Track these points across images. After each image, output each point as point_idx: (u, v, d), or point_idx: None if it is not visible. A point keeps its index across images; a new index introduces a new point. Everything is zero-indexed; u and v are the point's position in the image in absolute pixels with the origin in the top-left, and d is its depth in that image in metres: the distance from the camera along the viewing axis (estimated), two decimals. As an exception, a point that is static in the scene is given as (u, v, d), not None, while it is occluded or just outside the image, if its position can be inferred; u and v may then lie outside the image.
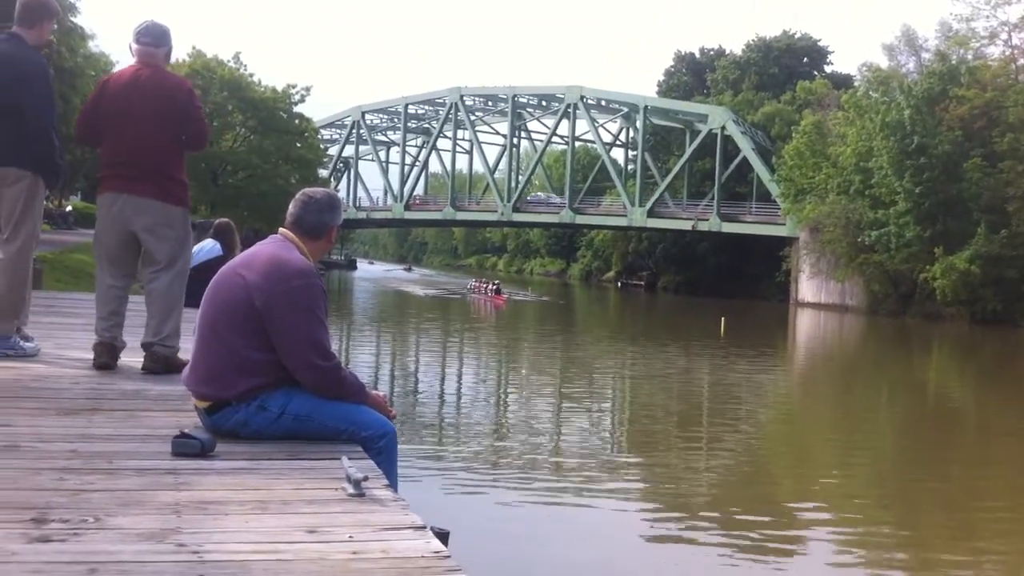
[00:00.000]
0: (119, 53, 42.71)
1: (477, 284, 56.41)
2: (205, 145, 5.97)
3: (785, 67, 76.24)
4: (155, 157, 5.60)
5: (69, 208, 43.10)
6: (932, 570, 7.78)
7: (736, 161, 65.35)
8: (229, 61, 56.51)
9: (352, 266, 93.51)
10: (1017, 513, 9.95)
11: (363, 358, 20.98)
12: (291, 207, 4.16)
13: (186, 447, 3.55)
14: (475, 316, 40.75)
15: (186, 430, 3.66)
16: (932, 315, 46.93)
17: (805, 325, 45.55)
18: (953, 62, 51.00)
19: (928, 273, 46.77)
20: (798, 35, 79.42)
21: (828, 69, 78.21)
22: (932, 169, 46.91)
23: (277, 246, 4.04)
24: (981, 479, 11.95)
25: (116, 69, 6.04)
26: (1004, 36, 52.18)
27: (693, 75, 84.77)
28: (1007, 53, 52.44)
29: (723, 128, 64.80)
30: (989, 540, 8.70)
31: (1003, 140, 45.83)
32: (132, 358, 5.71)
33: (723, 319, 32.89)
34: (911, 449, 14.14)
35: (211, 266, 7.69)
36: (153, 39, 5.70)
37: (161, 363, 5.53)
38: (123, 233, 5.64)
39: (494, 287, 52.11)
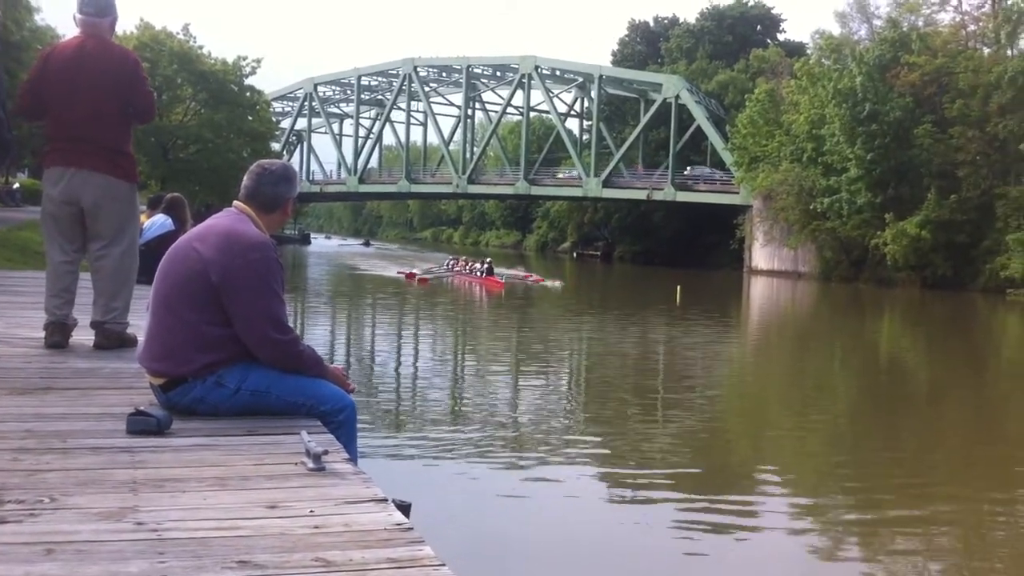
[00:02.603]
0: (65, 26, 41.86)
1: (459, 263, 45.00)
2: (152, 117, 5.86)
3: (739, 35, 76.56)
4: (101, 130, 5.50)
5: (16, 185, 42.30)
6: (886, 527, 7.92)
7: (691, 130, 65.57)
8: (178, 33, 55.73)
9: (306, 241, 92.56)
10: (967, 471, 10.15)
11: (319, 333, 20.87)
12: (245, 179, 4.10)
13: (142, 425, 3.50)
14: (469, 304, 32.42)
15: (141, 408, 3.61)
16: (884, 280, 47.55)
17: (759, 292, 45.96)
18: (904, 29, 51.56)
19: (879, 239, 47.37)
20: (751, 3, 79.77)
21: (781, 37, 78.71)
22: (883, 136, 47.43)
23: (232, 219, 3.99)
24: (932, 441, 12.18)
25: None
26: (954, 2, 52.97)
27: (647, 44, 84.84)
28: (957, 19, 53.17)
29: (677, 97, 64.92)
30: (940, 501, 8.86)
31: (953, 106, 46.39)
32: (83, 336, 5.63)
33: (678, 287, 33.12)
34: (864, 411, 14.35)
35: (163, 241, 7.61)
36: (97, 9, 5.58)
37: (114, 340, 5.47)
38: (71, 207, 5.54)
39: (485, 266, 40.17)
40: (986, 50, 51.05)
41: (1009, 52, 49.36)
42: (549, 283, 40.22)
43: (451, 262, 46.81)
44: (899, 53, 48.90)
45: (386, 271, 46.00)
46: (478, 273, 39.95)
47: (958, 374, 18.92)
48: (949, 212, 45.52)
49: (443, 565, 2.32)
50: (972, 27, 52.68)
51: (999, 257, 44.07)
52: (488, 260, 41.76)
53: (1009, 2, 50.24)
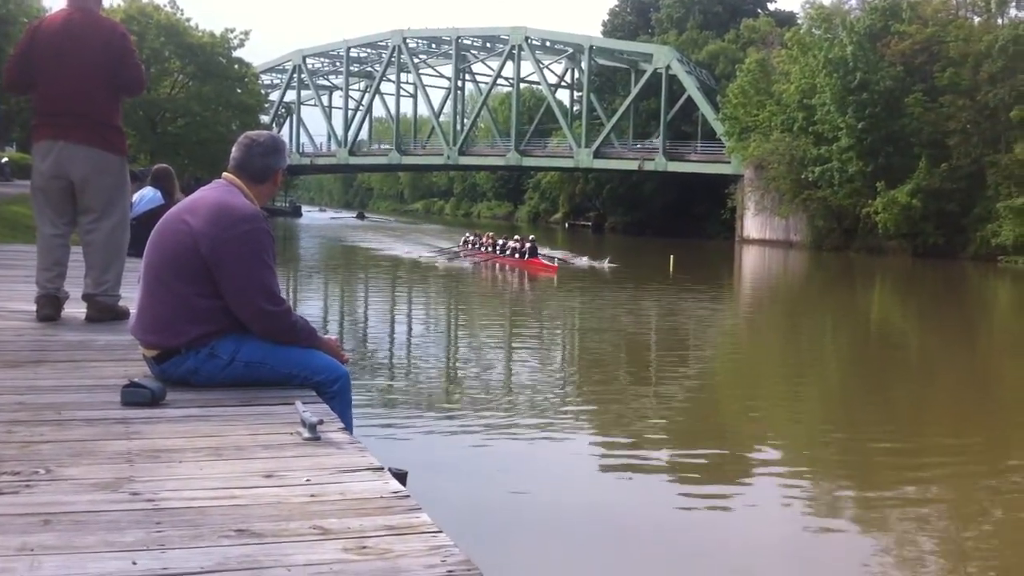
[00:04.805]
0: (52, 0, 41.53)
1: (484, 239, 36.34)
2: (142, 90, 5.82)
3: (729, 5, 76.11)
4: (90, 103, 5.46)
5: (5, 159, 42.03)
6: (878, 494, 7.97)
7: (681, 101, 65.37)
8: (165, 5, 55.13)
9: (297, 213, 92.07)
10: (959, 437, 10.21)
11: (312, 302, 20.86)
12: (234, 151, 4.07)
13: (136, 396, 3.50)
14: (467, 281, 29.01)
15: (135, 379, 3.60)
16: (875, 249, 47.65)
17: (751, 261, 46.02)
18: (895, -3, 51.36)
19: (870, 207, 47.45)
20: (742, -28, 79.25)
21: (772, 7, 78.29)
22: (874, 105, 47.41)
23: (221, 191, 3.96)
24: (924, 407, 12.26)
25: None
26: (945, -29, 52.60)
27: (637, 14, 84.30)
28: (948, -13, 52.90)
29: (668, 67, 64.67)
30: (933, 466, 8.92)
31: (943, 75, 46.33)
32: (75, 309, 5.62)
33: (671, 257, 33.11)
34: (856, 378, 14.43)
35: (153, 214, 7.57)
36: (84, -19, 5.53)
37: (106, 312, 5.46)
38: (60, 181, 5.51)
39: (527, 246, 31.54)
40: (976, 19, 50.99)
41: (1000, 21, 49.33)
42: (598, 263, 33.56)
43: (471, 238, 38.06)
44: (889, 22, 48.80)
45: (404, 250, 39.74)
46: (515, 254, 32.11)
47: (950, 341, 19.01)
48: (940, 180, 45.58)
49: (440, 532, 2.33)
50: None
51: (990, 224, 44.18)
52: (531, 238, 33.17)
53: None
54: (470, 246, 36.80)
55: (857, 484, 8.29)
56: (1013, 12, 49.80)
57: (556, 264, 30.49)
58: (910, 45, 47.44)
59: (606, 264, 33.46)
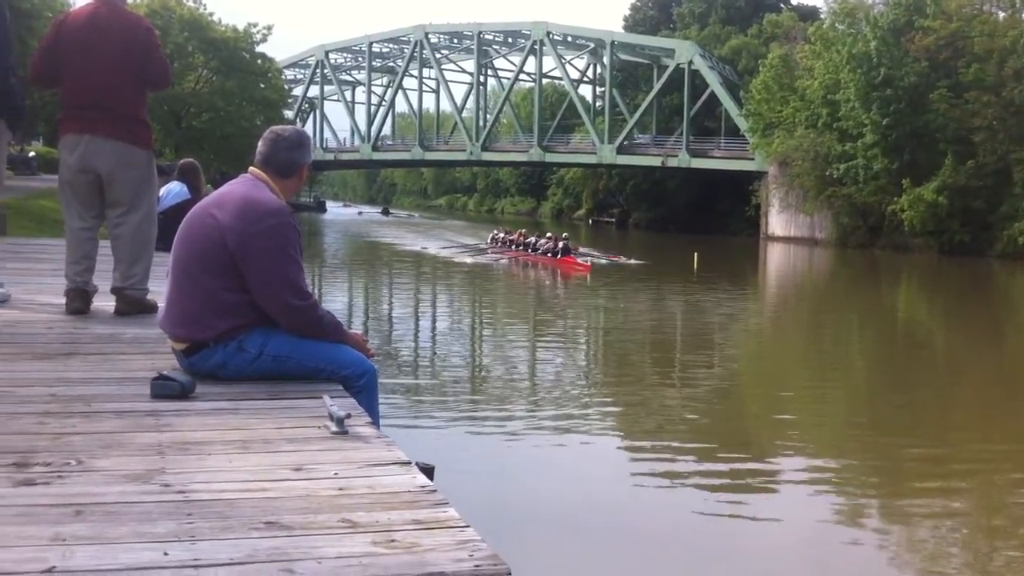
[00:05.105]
0: (76, -6, 41.73)
1: (516, 236, 35.73)
2: (167, 84, 5.84)
3: (751, 0, 75.80)
4: (116, 97, 5.49)
5: (32, 154, 42.35)
6: (905, 498, 7.92)
7: (704, 96, 65.08)
8: (188, 0, 55.44)
9: (322, 208, 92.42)
10: (986, 438, 10.12)
11: (338, 298, 20.93)
12: (260, 145, 4.09)
13: (166, 389, 3.52)
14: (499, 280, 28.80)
15: (164, 372, 3.63)
16: (901, 246, 47.28)
17: (776, 259, 45.80)
18: (919, -8, 50.94)
19: (896, 205, 47.04)
20: (765, -34, 78.90)
21: (795, 1, 77.81)
22: (899, 101, 46.99)
23: (248, 185, 3.98)
24: (951, 407, 12.16)
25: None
26: (970, -35, 52.15)
27: (659, 9, 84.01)
28: (973, -18, 52.45)
29: (690, 63, 64.38)
30: (959, 467, 8.86)
31: (968, 71, 45.87)
32: (104, 302, 5.66)
33: (695, 255, 32.97)
34: (882, 378, 14.34)
35: (181, 208, 7.61)
36: (110, -24, 5.56)
37: (134, 306, 5.50)
38: (87, 175, 5.55)
39: (561, 244, 31.13)
40: (1001, 14, 50.41)
41: (1024, 16, 48.85)
42: (627, 260, 33.25)
43: (500, 235, 37.38)
44: (913, 17, 48.34)
45: (429, 246, 38.73)
46: (547, 252, 31.37)
47: (976, 341, 18.84)
48: (966, 178, 45.11)
49: (468, 527, 2.33)
50: (988, -10, 52.16)
51: (1017, 223, 43.74)
52: (565, 236, 32.42)
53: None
54: (499, 244, 35.96)
55: (882, 490, 8.22)
56: (1039, 6, 49.35)
57: (589, 263, 29.71)
58: (934, 40, 46.98)
59: (632, 261, 33.13)
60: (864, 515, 7.52)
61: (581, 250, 33.85)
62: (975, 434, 10.40)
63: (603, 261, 32.87)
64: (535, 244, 32.86)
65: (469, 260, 33.05)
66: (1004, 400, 12.57)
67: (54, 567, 1.99)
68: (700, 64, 63.99)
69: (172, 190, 9.72)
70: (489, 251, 35.34)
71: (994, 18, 49.18)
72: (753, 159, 59.11)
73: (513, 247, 34.50)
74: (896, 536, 6.99)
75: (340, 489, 2.58)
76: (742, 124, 60.54)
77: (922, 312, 25.57)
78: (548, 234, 33.71)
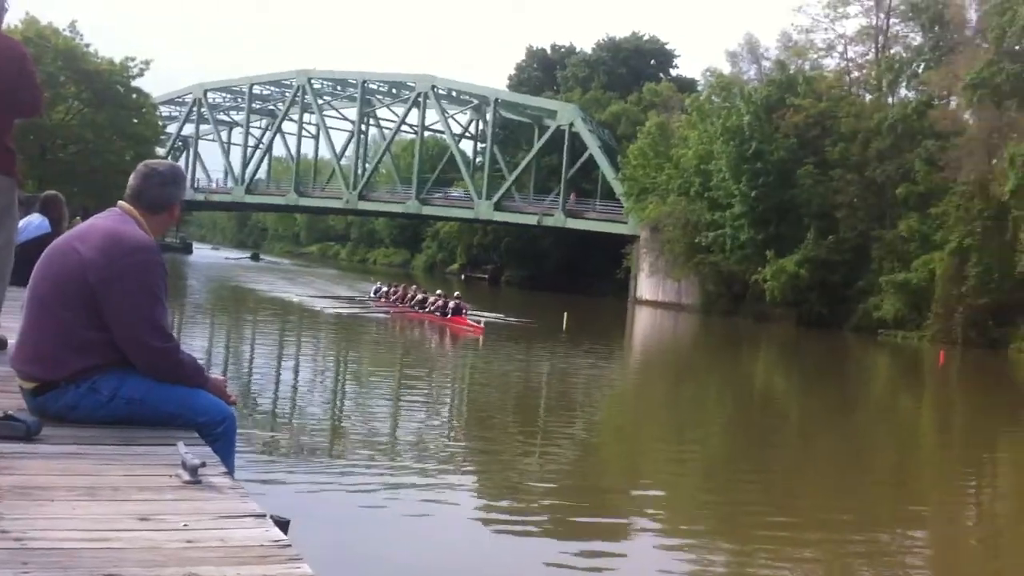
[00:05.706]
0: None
1: (398, 292, 34.33)
2: (39, 112, 5.62)
3: (633, 68, 78.07)
4: (-21, 122, 5.26)
5: None
6: (750, 557, 8.09)
7: (583, 159, 66.40)
8: (64, 30, 54.02)
9: (188, 250, 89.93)
10: (828, 512, 10.38)
11: (198, 343, 20.38)
12: (131, 179, 3.96)
13: (9, 430, 3.34)
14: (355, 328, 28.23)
15: (9, 412, 3.45)
16: (762, 315, 48.78)
17: (643, 322, 46.68)
18: (791, 71, 53.29)
19: (760, 275, 48.58)
20: (646, 37, 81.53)
21: (674, 72, 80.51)
22: (767, 174, 48.76)
23: (115, 219, 3.84)
24: (798, 473, 12.54)
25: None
26: (840, 49, 55.30)
27: (544, 71, 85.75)
28: (842, 65, 55.48)
29: (571, 125, 65.70)
30: (808, 528, 9.09)
31: (834, 149, 48.01)
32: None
33: (565, 314, 33.31)
34: (736, 444, 14.69)
35: (41, 242, 7.31)
36: (-17, -1, 5.36)
37: (-18, 342, 5.23)
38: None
39: (452, 304, 29.78)
40: (868, 96, 53.15)
41: (890, 100, 51.50)
42: (519, 321, 33.19)
43: (383, 289, 35.84)
44: (785, 95, 50.45)
45: (302, 295, 37.85)
46: (437, 311, 29.90)
47: (828, 411, 19.50)
48: (826, 252, 46.96)
49: (321, 583, 2.27)
50: (856, 73, 55.03)
51: (872, 298, 45.63)
52: (456, 295, 31.21)
53: (892, 51, 52.46)
54: (386, 299, 34.39)
55: (730, 552, 8.39)
56: (903, 92, 52.16)
57: (482, 325, 28.08)
58: (804, 118, 49.03)
59: (520, 320, 32.80)
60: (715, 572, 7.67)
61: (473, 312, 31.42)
62: (819, 503, 10.67)
63: (498, 321, 32.01)
64: (424, 301, 31.63)
65: (345, 312, 31.86)
66: (848, 469, 12.98)
67: None
68: (580, 127, 65.34)
69: (33, 222, 9.34)
70: (373, 306, 34.00)
71: (861, 100, 51.82)
72: (626, 223, 60.38)
73: (400, 303, 33.22)
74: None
75: (189, 541, 2.48)
76: (618, 188, 61.88)
77: (779, 381, 26.38)
78: (439, 292, 32.51)
